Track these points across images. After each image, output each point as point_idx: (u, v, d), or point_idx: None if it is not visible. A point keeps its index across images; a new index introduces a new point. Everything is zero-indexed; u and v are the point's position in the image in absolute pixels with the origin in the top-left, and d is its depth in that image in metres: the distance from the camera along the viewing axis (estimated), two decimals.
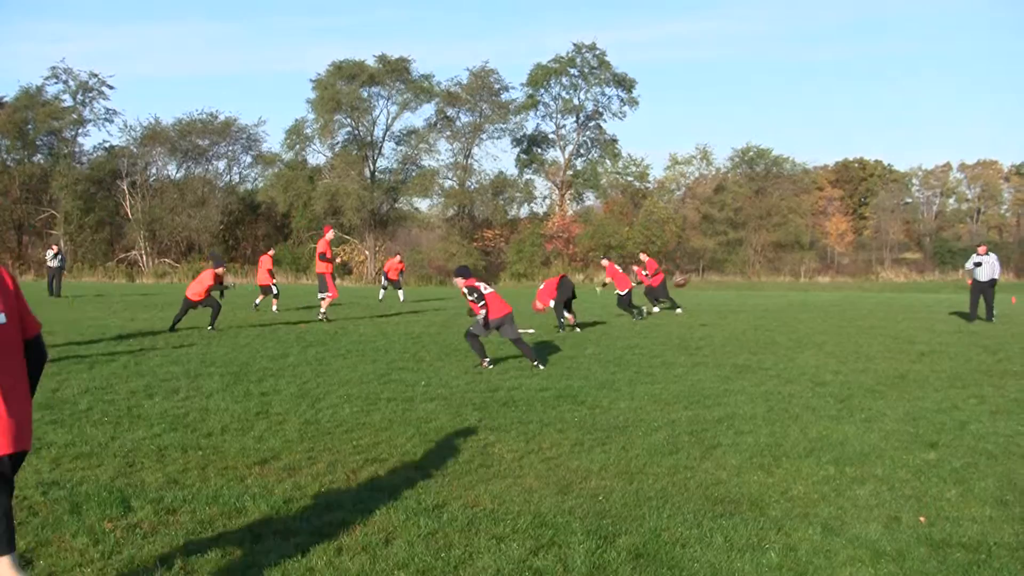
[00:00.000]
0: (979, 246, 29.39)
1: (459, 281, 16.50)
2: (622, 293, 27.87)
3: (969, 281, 28.80)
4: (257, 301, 31.79)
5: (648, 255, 34.58)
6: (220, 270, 22.82)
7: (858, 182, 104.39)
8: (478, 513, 7.18)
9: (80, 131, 76.96)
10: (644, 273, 31.81)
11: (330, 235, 26.40)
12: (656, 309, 31.95)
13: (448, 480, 8.18)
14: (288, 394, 12.70)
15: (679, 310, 31.38)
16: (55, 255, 39.22)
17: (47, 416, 10.76)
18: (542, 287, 24.34)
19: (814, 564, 6.18)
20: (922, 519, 7.13)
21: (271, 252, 33.18)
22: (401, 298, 39.64)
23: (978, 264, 28.31)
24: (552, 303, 23.63)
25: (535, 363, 15.87)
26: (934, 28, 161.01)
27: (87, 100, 75.40)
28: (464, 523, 6.93)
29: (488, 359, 16.07)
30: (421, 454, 9.14)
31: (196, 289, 22.35)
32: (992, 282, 28.20)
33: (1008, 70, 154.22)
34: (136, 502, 7.31)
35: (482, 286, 16.30)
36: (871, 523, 7.02)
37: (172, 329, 21.86)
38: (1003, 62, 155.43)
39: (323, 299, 25.71)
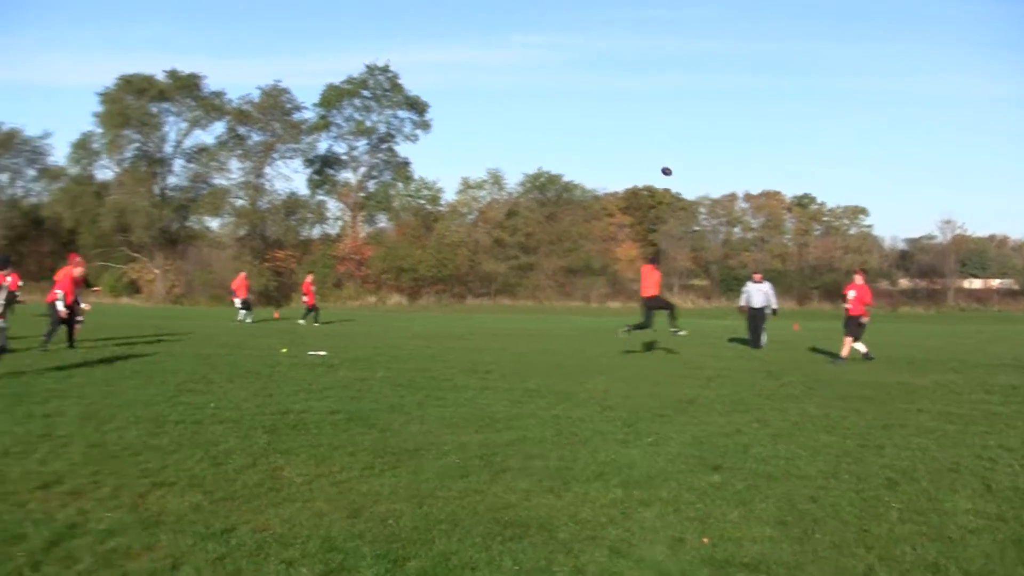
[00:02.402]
0: (754, 274, 30.13)
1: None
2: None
3: (744, 309, 29.47)
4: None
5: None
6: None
7: (647, 209, 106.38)
8: (267, 537, 7.09)
9: None
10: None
11: (78, 271, 23.65)
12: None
13: (237, 504, 8.05)
14: (73, 416, 12.32)
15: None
16: None
17: None
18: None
19: None
20: (705, 540, 7.28)
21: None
22: (243, 317, 39.71)
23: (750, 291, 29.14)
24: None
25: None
26: (719, 62, 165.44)
27: None
28: (253, 548, 6.84)
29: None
30: (209, 478, 8.96)
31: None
32: (772, 310, 28.95)
33: (788, 105, 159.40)
34: None
35: None
36: (656, 545, 7.14)
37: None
38: (784, 98, 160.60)
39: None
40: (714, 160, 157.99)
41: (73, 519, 7.45)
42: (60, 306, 22.19)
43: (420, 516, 7.80)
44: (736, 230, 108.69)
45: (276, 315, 47.56)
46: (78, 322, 23.17)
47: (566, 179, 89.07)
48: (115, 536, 7.01)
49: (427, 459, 10.01)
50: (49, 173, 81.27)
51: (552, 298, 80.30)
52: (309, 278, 41.63)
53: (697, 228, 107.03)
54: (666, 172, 21.06)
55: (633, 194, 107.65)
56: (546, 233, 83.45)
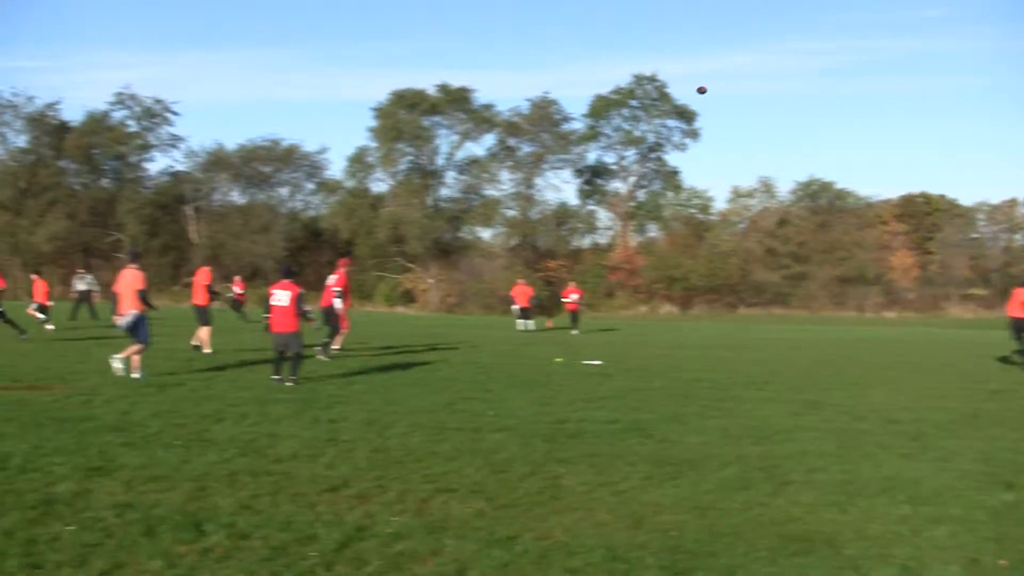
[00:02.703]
0: None
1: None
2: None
3: None
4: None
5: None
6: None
7: (922, 216, 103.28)
8: (551, 546, 7.11)
9: (145, 156, 78.78)
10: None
11: (345, 268, 24.06)
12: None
13: (519, 512, 8.11)
14: (356, 421, 12.67)
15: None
16: (81, 278, 38.92)
17: (119, 438, 10.84)
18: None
19: None
20: (1003, 562, 6.98)
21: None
22: (523, 326, 40.36)
23: None
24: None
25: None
26: (996, 62, 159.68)
27: (152, 125, 76.95)
28: (537, 556, 6.86)
29: None
30: (491, 485, 9.07)
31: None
32: None
33: None
34: (209, 526, 7.33)
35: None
36: (950, 565, 6.88)
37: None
38: None
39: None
40: (992, 164, 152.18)
41: (361, 522, 7.62)
42: (338, 303, 22.77)
43: (703, 528, 7.72)
44: (1017, 237, 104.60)
45: (549, 324, 47.89)
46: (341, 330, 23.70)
47: (838, 186, 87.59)
48: (401, 540, 7.14)
49: (707, 470, 9.92)
50: (326, 186, 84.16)
51: (825, 308, 78.72)
52: (571, 285, 41.92)
53: (976, 235, 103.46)
54: (701, 91, 20.67)
55: (908, 201, 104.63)
56: (818, 242, 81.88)
